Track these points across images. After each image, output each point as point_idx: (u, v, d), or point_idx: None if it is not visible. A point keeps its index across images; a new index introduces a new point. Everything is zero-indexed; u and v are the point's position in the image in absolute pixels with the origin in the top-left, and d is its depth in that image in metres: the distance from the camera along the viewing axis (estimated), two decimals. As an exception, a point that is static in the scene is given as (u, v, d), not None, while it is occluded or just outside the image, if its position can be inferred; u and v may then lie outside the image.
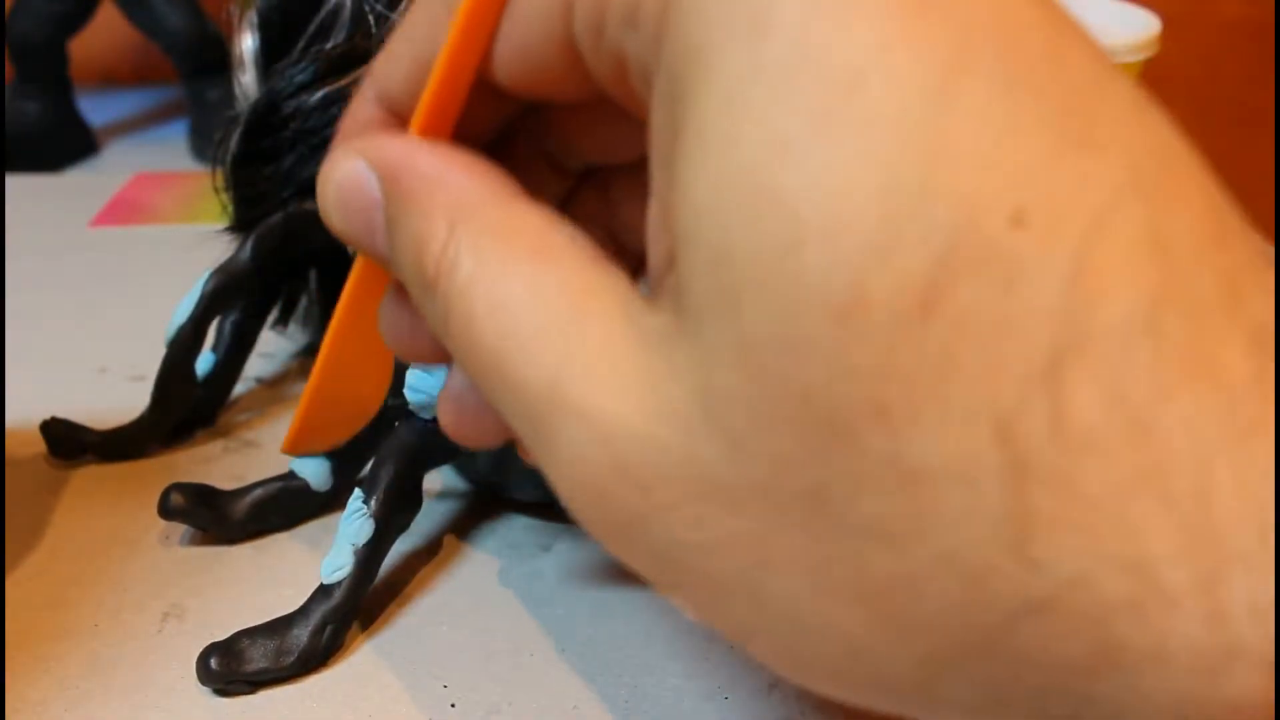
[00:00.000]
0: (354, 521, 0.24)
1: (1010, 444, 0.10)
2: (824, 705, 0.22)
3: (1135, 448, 0.10)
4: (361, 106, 0.17)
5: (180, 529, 0.27)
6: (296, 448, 0.26)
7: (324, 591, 0.24)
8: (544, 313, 0.13)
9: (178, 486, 0.26)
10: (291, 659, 0.23)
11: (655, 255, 0.13)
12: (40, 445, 0.30)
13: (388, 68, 0.16)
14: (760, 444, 0.11)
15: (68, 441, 0.30)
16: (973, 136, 0.10)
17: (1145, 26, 0.41)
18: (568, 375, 0.13)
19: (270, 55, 0.31)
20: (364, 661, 0.24)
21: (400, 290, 0.16)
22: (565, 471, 0.13)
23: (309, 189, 0.30)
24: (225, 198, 0.31)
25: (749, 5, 0.11)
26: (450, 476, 0.29)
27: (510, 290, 0.13)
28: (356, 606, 0.24)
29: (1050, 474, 0.10)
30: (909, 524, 0.11)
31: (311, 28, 0.31)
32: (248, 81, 0.31)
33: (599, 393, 0.12)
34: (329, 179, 0.15)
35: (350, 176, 0.15)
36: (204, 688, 0.23)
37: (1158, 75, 0.48)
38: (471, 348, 0.13)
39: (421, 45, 0.15)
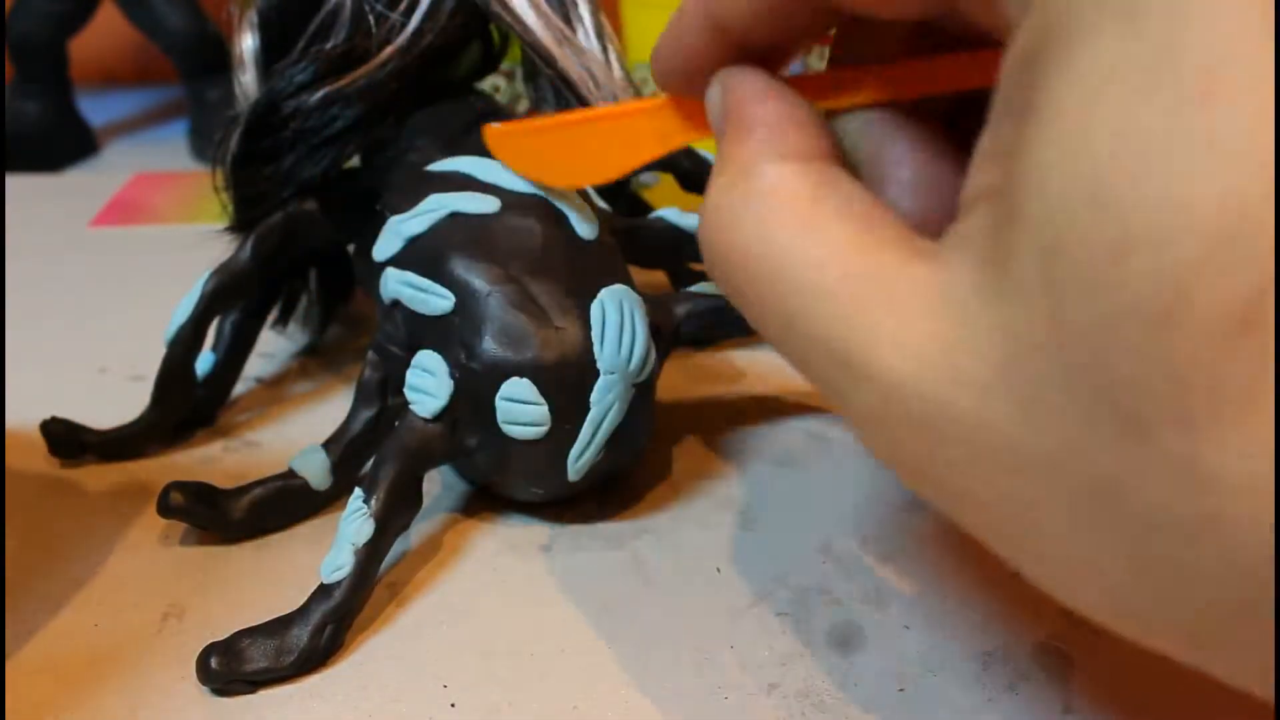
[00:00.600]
0: (354, 521, 0.24)
1: None
2: (824, 705, 0.22)
3: None
4: (694, 14, 0.18)
5: (180, 528, 0.27)
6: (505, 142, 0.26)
7: (324, 591, 0.24)
8: (829, 274, 0.14)
9: (177, 485, 0.26)
10: (291, 659, 0.23)
11: (974, 183, 0.13)
12: (40, 445, 0.30)
13: None
14: (1058, 426, 0.12)
15: (68, 441, 0.30)
16: None
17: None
18: (859, 338, 0.14)
19: (270, 55, 0.31)
20: (364, 661, 0.24)
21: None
22: (860, 420, 0.14)
23: (309, 189, 0.30)
24: (225, 198, 0.31)
25: None
26: (450, 476, 0.29)
27: (788, 245, 0.15)
28: (357, 606, 0.24)
29: None
30: (1193, 523, 0.12)
31: (311, 28, 0.31)
32: (248, 81, 0.31)
33: (891, 356, 0.13)
34: (708, 106, 0.18)
35: (709, 98, 0.18)
36: (203, 687, 0.23)
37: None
38: (750, 275, 0.15)
39: None
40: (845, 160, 0.17)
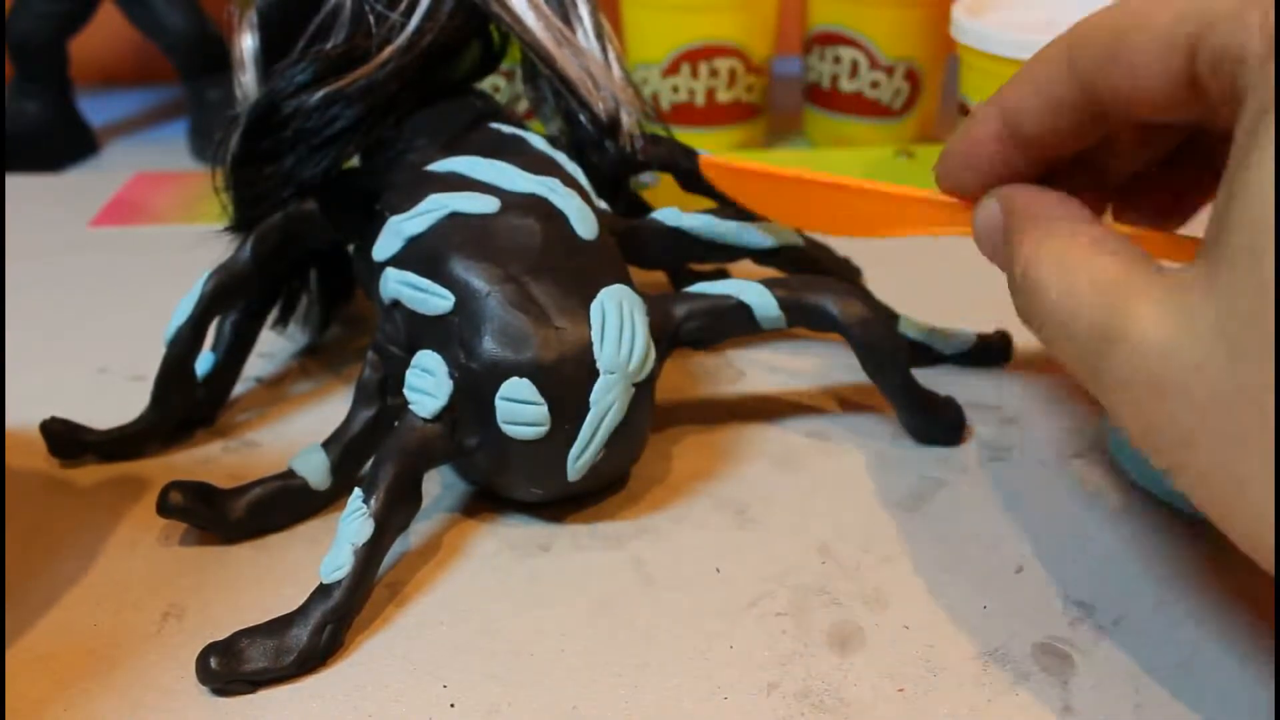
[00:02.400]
0: (354, 521, 0.24)
1: None
2: (823, 705, 0.22)
3: None
4: (985, 122, 0.25)
5: (180, 528, 0.27)
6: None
7: (323, 591, 0.24)
8: (1098, 281, 0.20)
9: (176, 484, 0.26)
10: (290, 659, 0.23)
11: (1213, 217, 0.19)
12: (40, 446, 0.30)
13: (1018, 95, 0.24)
14: (1258, 360, 0.17)
15: (67, 441, 0.30)
16: None
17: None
18: (1122, 317, 0.19)
19: (270, 55, 0.31)
20: (363, 661, 0.24)
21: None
22: (1114, 388, 0.20)
23: (309, 189, 0.30)
24: (225, 198, 0.31)
25: None
26: (450, 476, 0.29)
27: (1077, 273, 0.21)
28: (356, 606, 0.24)
29: None
30: None
31: (311, 28, 0.31)
32: (248, 81, 0.31)
33: (1141, 325, 0.19)
34: (977, 214, 0.25)
35: (985, 209, 0.25)
36: (203, 687, 0.23)
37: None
38: (1043, 308, 0.21)
39: (1046, 87, 0.23)
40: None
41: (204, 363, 0.31)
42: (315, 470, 0.27)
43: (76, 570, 0.26)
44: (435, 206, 0.28)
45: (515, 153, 0.30)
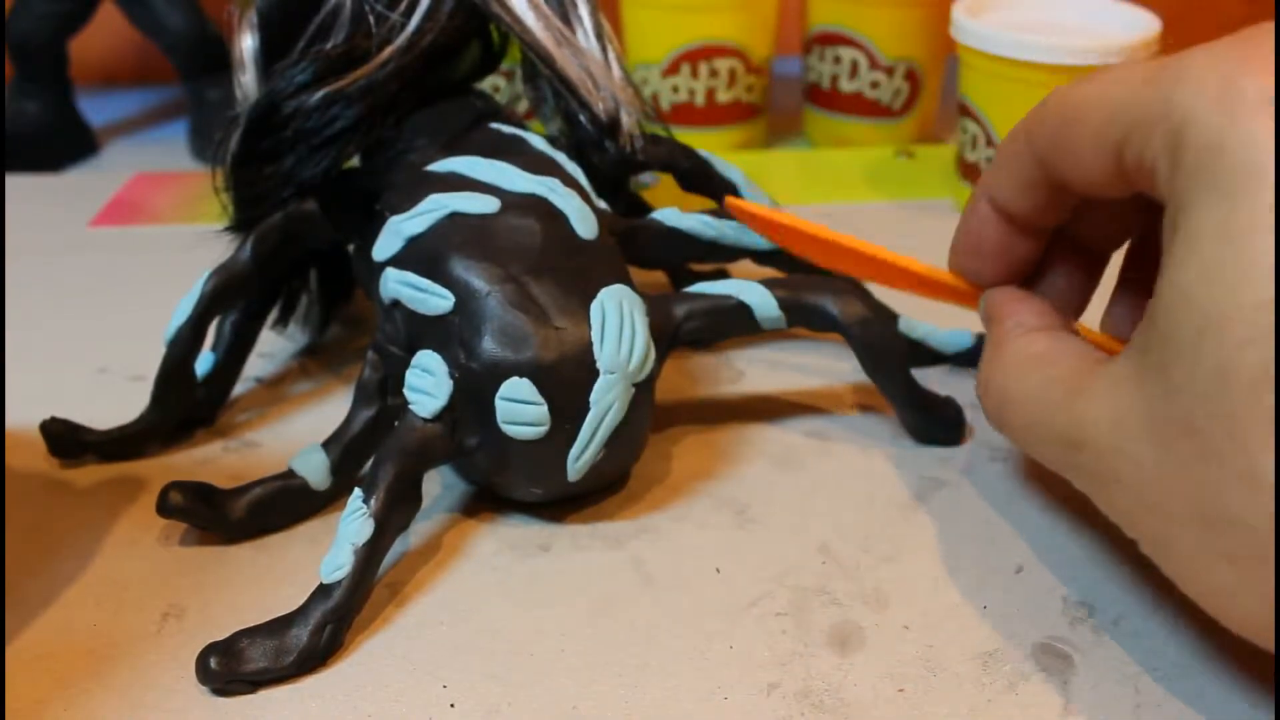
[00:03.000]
0: (354, 521, 0.24)
1: None
2: (823, 705, 0.22)
3: None
4: (978, 208, 0.26)
5: (180, 529, 0.27)
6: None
7: (323, 591, 0.24)
8: (1059, 382, 0.23)
9: (176, 485, 0.26)
10: (290, 659, 0.23)
11: (1147, 310, 0.21)
12: (40, 445, 0.30)
13: (996, 179, 0.26)
14: (1176, 449, 0.19)
15: (68, 441, 0.30)
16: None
17: (1145, 26, 0.41)
18: (1076, 412, 0.22)
19: (270, 55, 0.31)
20: (363, 661, 0.24)
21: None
22: (1086, 482, 0.22)
23: (309, 189, 0.30)
24: (225, 198, 0.31)
25: (1208, 178, 0.19)
26: (450, 476, 0.29)
27: (1028, 380, 0.24)
28: (356, 606, 0.24)
29: None
30: (1261, 519, 0.18)
31: (311, 28, 0.31)
32: (248, 81, 0.31)
33: (1092, 430, 0.21)
34: (982, 304, 0.27)
35: (980, 307, 0.27)
36: (203, 687, 0.23)
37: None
38: (996, 408, 0.25)
39: (1016, 168, 0.25)
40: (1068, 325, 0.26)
41: (204, 363, 0.31)
42: (315, 470, 0.27)
43: (76, 570, 0.26)
44: (435, 206, 0.28)
45: (515, 153, 0.30)
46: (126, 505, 0.28)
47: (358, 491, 0.25)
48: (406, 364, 0.27)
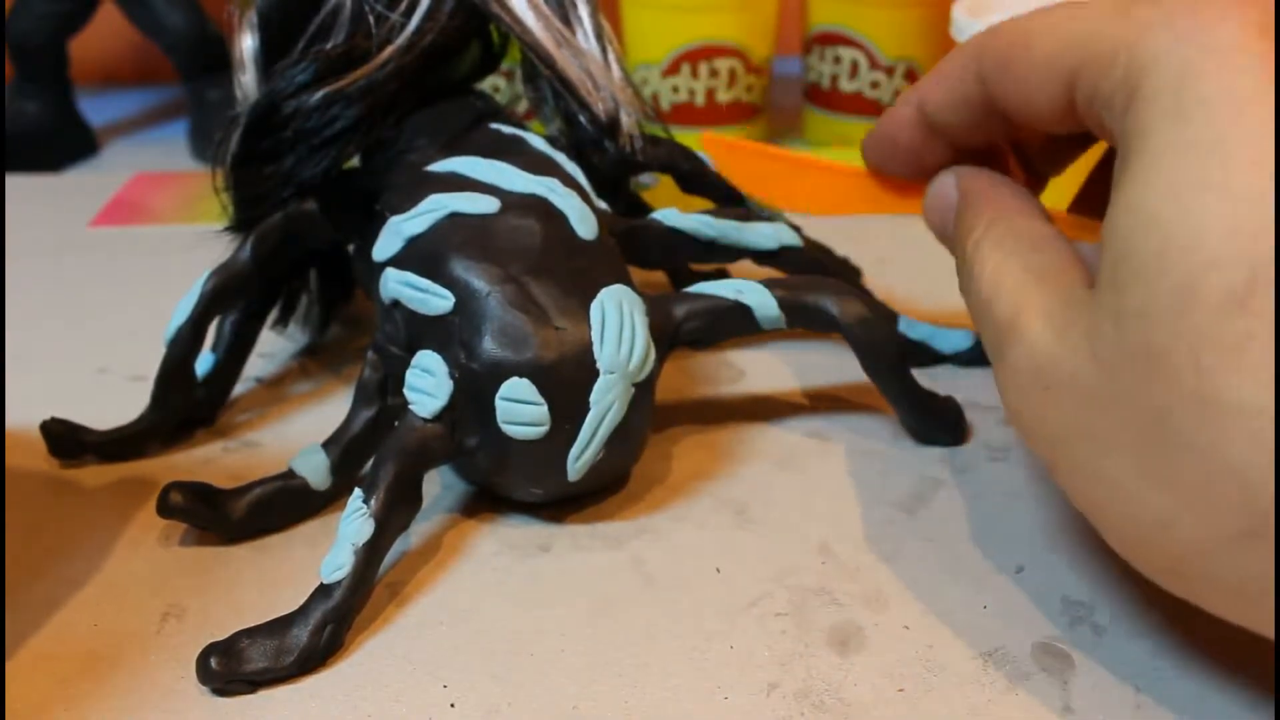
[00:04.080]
0: (354, 521, 0.24)
1: None
2: (823, 706, 0.22)
3: None
4: (903, 107, 0.26)
5: (180, 529, 0.27)
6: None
7: (323, 591, 0.24)
8: (1017, 278, 0.22)
9: (176, 485, 0.26)
10: (290, 659, 0.23)
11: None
12: (40, 446, 0.30)
13: (931, 87, 0.25)
14: (1121, 372, 0.19)
15: (68, 441, 0.30)
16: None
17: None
18: (1023, 316, 0.21)
19: (270, 55, 0.31)
20: (363, 661, 0.24)
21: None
22: (1007, 374, 0.22)
23: (309, 189, 0.30)
24: (225, 198, 0.31)
25: (1172, 106, 0.19)
26: (450, 476, 0.29)
27: (1007, 263, 0.23)
28: (356, 606, 0.24)
29: None
30: (1210, 442, 0.18)
31: (311, 28, 0.31)
32: (248, 81, 0.31)
33: (1033, 328, 0.21)
34: (931, 185, 0.27)
35: (942, 183, 0.26)
36: (203, 687, 0.23)
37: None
38: (974, 287, 0.23)
39: (957, 84, 0.24)
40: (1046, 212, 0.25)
41: (204, 363, 0.31)
42: (315, 470, 0.27)
43: (77, 571, 0.26)
44: (435, 207, 0.28)
45: (515, 153, 0.30)
46: (127, 505, 0.28)
47: (358, 491, 0.25)
48: (406, 364, 0.27)
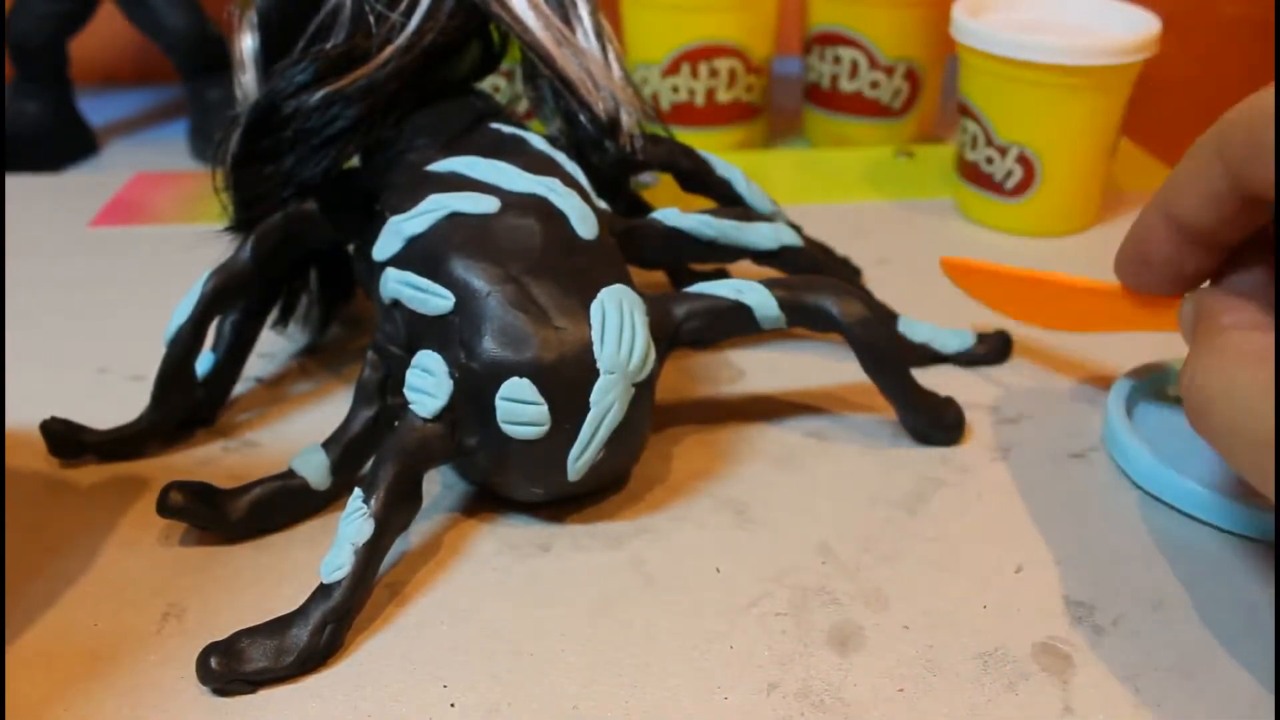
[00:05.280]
0: (354, 521, 0.24)
1: None
2: (823, 705, 0.22)
3: None
4: (1154, 222, 0.26)
5: (180, 528, 0.27)
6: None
7: (324, 591, 0.24)
8: (1256, 392, 0.22)
9: (177, 485, 0.26)
10: (291, 658, 0.23)
11: None
12: (40, 445, 0.30)
13: (1177, 192, 0.25)
14: None
15: (68, 441, 0.30)
16: None
17: (1145, 26, 0.41)
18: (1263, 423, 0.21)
19: (270, 55, 0.31)
20: (363, 661, 0.24)
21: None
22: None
23: (309, 189, 0.30)
24: (225, 198, 0.31)
25: None
26: (450, 476, 0.29)
27: (1238, 377, 0.22)
28: (356, 606, 0.24)
29: None
30: None
31: (311, 28, 0.31)
32: (248, 81, 0.31)
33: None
34: (1179, 310, 0.27)
35: (1185, 307, 0.26)
36: (203, 687, 0.23)
37: (1158, 75, 0.48)
38: (1211, 401, 0.23)
39: (1203, 182, 0.24)
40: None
41: (204, 363, 0.31)
42: (315, 470, 0.27)
43: (77, 570, 0.26)
44: (435, 206, 0.28)
45: (515, 153, 0.30)
46: (126, 505, 0.28)
47: (358, 491, 0.25)
48: (406, 364, 0.27)
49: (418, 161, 0.30)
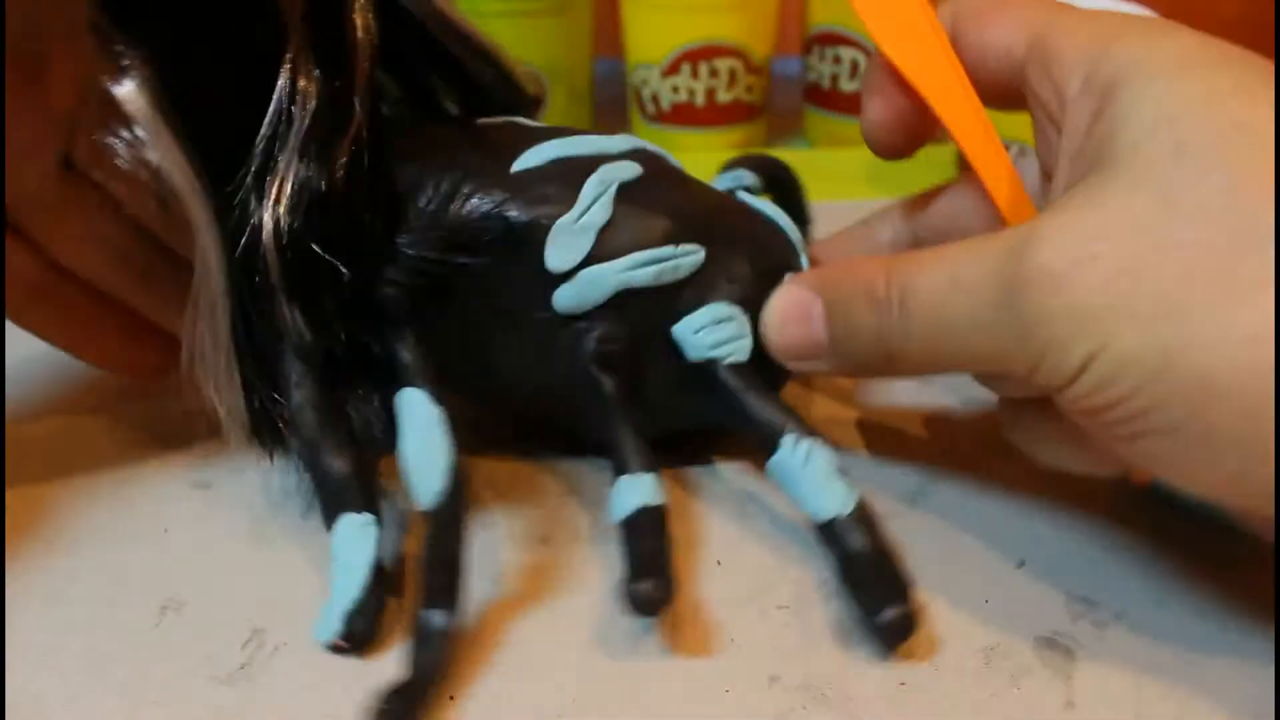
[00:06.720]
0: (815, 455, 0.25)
1: None
2: (825, 699, 0.22)
3: None
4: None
5: (179, 520, 0.27)
6: None
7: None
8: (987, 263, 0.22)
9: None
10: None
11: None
12: (40, 441, 0.30)
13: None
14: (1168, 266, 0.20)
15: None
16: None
17: (1145, 25, 0.41)
18: (1014, 261, 0.21)
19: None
20: (363, 658, 0.24)
21: None
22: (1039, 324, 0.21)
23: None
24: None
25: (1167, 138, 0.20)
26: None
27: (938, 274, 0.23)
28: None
29: None
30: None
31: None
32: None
33: (1043, 251, 0.21)
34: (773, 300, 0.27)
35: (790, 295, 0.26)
36: (201, 678, 0.23)
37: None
38: (913, 302, 0.23)
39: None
40: None
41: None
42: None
43: (75, 564, 0.26)
44: (598, 189, 0.26)
45: (544, 129, 0.28)
46: (126, 499, 0.28)
47: (791, 433, 0.25)
48: (648, 354, 0.27)
49: (489, 184, 0.26)
